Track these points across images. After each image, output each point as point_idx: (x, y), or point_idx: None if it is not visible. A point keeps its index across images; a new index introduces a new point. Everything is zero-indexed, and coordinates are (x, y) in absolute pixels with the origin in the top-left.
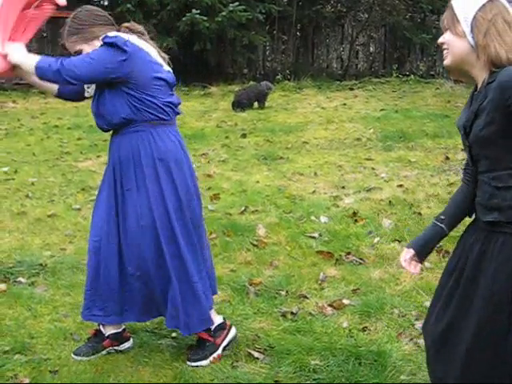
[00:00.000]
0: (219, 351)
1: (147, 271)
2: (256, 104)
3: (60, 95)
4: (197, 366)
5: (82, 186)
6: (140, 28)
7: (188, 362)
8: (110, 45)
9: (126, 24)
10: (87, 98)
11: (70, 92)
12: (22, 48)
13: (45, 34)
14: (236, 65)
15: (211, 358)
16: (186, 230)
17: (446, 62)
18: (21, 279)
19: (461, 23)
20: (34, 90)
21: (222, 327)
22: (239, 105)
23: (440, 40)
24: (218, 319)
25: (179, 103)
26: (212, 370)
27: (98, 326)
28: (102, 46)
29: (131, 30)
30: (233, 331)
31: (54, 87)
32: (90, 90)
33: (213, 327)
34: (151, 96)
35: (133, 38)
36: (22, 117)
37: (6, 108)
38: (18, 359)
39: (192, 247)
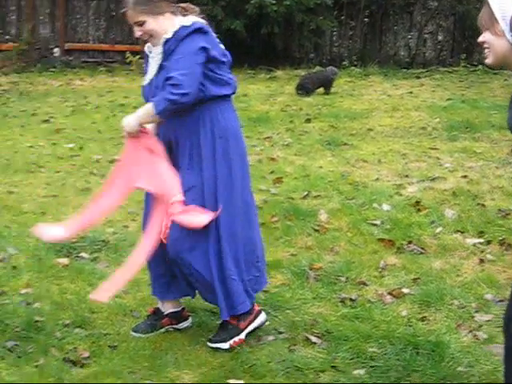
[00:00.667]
0: (242, 336)
1: (183, 254)
2: (320, 90)
3: None
4: (217, 348)
5: None
6: (196, 8)
7: (208, 343)
8: (193, 32)
9: (183, 4)
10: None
11: None
12: (130, 116)
13: (113, 14)
14: (303, 49)
15: (231, 342)
16: (229, 213)
17: (488, 61)
18: (83, 254)
19: (499, 22)
20: (101, 69)
21: (249, 312)
22: (303, 88)
23: (480, 39)
24: None
25: (235, 80)
26: (269, 352)
27: (157, 304)
28: (183, 38)
29: (187, 11)
30: (261, 317)
31: None
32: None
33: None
34: (220, 73)
35: (196, 19)
36: (88, 94)
37: (73, 85)
38: (77, 333)
39: (233, 234)
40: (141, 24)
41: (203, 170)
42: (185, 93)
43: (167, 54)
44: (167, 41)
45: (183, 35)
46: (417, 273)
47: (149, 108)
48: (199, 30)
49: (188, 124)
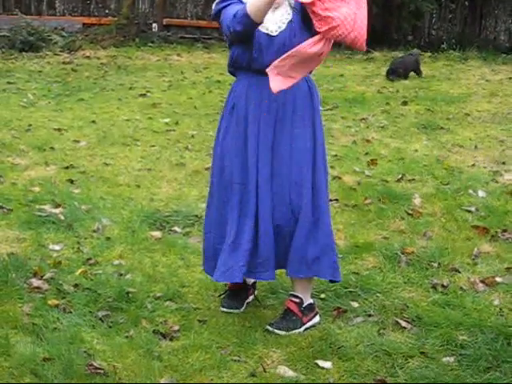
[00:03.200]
0: (301, 329)
1: None
2: (411, 74)
3: None
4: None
5: None
6: None
7: (267, 326)
8: None
9: None
10: None
11: None
12: None
13: None
14: (401, 31)
15: (291, 333)
16: None
17: None
18: (176, 228)
19: None
20: (198, 45)
21: (312, 309)
22: (393, 73)
23: None
24: (309, 299)
25: None
26: (358, 334)
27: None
28: None
29: None
30: (317, 318)
31: None
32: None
33: (305, 304)
34: None
35: None
36: (185, 70)
37: (170, 61)
38: (168, 306)
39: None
40: None
41: (317, 131)
42: None
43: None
44: None
45: None
46: (511, 262)
47: None
48: None
49: (305, 86)
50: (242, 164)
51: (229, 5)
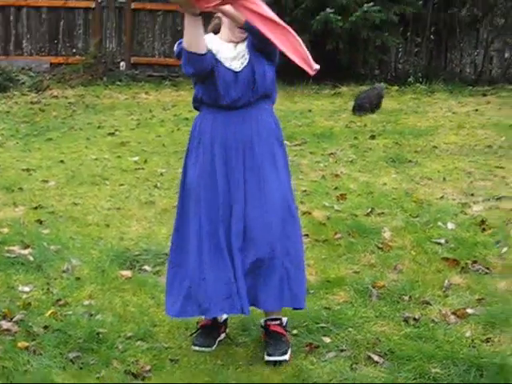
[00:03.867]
0: (289, 352)
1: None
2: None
3: None
4: (278, 362)
5: None
6: None
7: (268, 357)
8: None
9: None
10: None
11: None
12: None
13: (179, 28)
14: (367, 65)
15: (288, 354)
16: None
17: None
18: (146, 267)
19: None
20: (166, 83)
21: (286, 327)
22: (360, 109)
23: None
24: (283, 318)
25: None
26: (331, 370)
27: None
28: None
29: None
30: None
31: None
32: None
33: (284, 322)
34: None
35: None
36: (153, 108)
37: (138, 99)
38: (139, 346)
39: None
40: None
41: (286, 167)
42: None
43: None
44: None
45: None
46: (481, 293)
47: None
48: None
49: (268, 119)
50: (212, 200)
51: None
